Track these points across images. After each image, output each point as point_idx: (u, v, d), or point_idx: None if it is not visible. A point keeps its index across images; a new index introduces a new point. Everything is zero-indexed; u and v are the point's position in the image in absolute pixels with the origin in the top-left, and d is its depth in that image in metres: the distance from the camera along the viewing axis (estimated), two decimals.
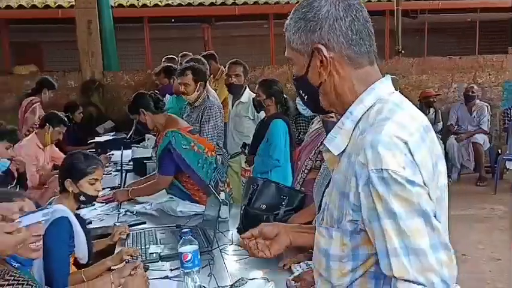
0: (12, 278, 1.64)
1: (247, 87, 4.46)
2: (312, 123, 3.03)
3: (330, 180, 2.01)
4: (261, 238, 1.63)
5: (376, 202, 1.03)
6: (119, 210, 3.26)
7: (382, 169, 1.02)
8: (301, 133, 5.09)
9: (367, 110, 1.15)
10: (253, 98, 3.76)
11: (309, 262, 2.10)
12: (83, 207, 3.14)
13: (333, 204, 1.17)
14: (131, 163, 4.69)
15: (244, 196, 2.82)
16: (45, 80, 5.77)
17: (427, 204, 1.03)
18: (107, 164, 4.80)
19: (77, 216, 2.58)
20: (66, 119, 4.70)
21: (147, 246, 2.56)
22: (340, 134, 1.17)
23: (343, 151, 1.17)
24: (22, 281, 1.67)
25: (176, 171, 3.25)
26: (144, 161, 4.42)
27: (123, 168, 4.53)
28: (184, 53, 5.41)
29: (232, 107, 4.48)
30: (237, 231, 2.76)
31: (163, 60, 5.97)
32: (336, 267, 1.15)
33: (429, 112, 7.29)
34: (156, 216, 3.16)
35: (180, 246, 1.97)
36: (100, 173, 2.58)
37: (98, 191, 2.61)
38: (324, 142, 1.21)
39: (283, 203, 2.65)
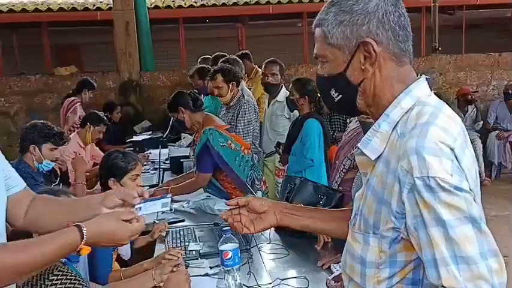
0: (61, 273, 1.70)
1: (283, 86, 4.47)
2: (350, 122, 3.02)
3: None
4: (245, 210, 1.48)
5: (423, 210, 1.00)
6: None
7: (429, 176, 0.99)
8: (336, 131, 5.06)
9: (406, 113, 1.11)
10: (286, 97, 3.78)
11: None
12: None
13: (368, 209, 1.13)
14: (168, 162, 4.77)
15: (281, 195, 2.84)
16: (85, 80, 5.93)
17: (475, 210, 1.01)
18: (145, 163, 4.90)
19: None
20: (105, 118, 4.82)
21: (187, 243, 2.61)
22: (377, 138, 1.13)
23: (379, 155, 1.13)
24: (70, 276, 1.74)
25: (214, 169, 3.29)
26: (181, 160, 4.50)
27: (161, 166, 4.64)
28: (217, 53, 5.45)
29: (269, 106, 4.49)
30: (274, 230, 2.78)
31: (198, 60, 6.04)
32: (372, 274, 1.12)
33: (467, 110, 7.13)
34: (194, 214, 3.21)
35: (220, 244, 2.00)
36: (140, 168, 2.68)
37: (139, 185, 2.69)
38: (358, 145, 1.16)
39: (321, 202, 2.65)
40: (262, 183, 3.32)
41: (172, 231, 2.84)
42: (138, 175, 2.66)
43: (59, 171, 3.86)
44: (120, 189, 1.72)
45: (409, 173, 1.01)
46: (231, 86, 3.93)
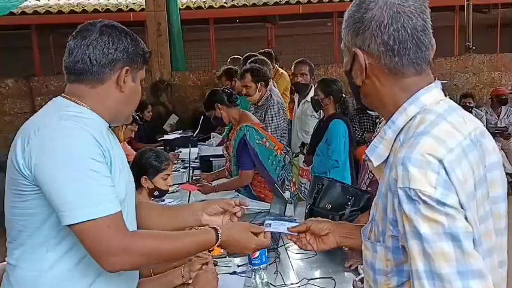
0: None
1: (313, 86, 4.47)
2: (380, 122, 3.01)
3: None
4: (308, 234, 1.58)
5: (404, 221, 0.99)
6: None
7: (410, 188, 0.97)
8: (366, 131, 5.04)
9: (410, 120, 1.08)
10: (311, 97, 3.78)
11: None
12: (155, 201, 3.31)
13: (379, 216, 1.12)
14: (197, 160, 4.84)
15: (309, 195, 2.86)
16: None
17: (459, 227, 0.96)
18: (175, 161, 4.98)
19: None
20: (137, 118, 4.92)
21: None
22: (382, 144, 1.12)
23: (385, 161, 1.12)
24: None
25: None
26: (211, 159, 4.56)
27: (190, 165, 4.71)
28: (248, 54, 5.49)
29: (298, 105, 4.51)
30: None
31: (228, 61, 6.09)
32: (383, 281, 1.12)
33: (501, 111, 6.96)
34: None
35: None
36: (171, 168, 2.79)
37: (169, 185, 2.78)
38: (366, 151, 1.16)
39: (349, 203, 2.65)
40: (291, 184, 3.34)
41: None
42: (169, 175, 2.74)
43: None
44: (219, 201, 1.96)
45: (395, 183, 1.01)
46: (259, 85, 3.97)
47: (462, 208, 0.97)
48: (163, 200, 3.46)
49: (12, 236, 1.47)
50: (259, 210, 3.15)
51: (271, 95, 4.16)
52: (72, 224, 1.32)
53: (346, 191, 2.72)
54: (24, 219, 1.42)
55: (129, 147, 5.11)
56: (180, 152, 5.31)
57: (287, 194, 2.99)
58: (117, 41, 1.46)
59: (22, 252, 1.44)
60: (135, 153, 5.11)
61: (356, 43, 1.12)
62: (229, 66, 5.37)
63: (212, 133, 5.89)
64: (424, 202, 0.95)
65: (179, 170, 4.62)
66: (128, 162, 4.63)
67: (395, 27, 1.07)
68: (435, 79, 1.14)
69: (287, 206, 2.68)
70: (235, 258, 2.44)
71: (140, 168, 2.69)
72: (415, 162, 0.98)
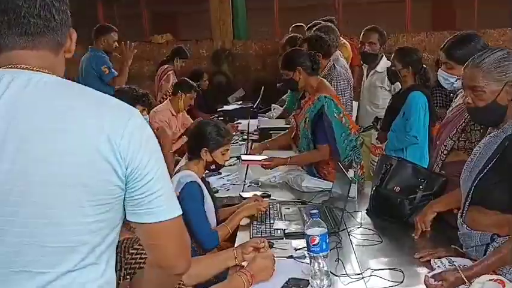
0: (141, 247, 1.64)
1: (383, 55, 4.11)
2: (456, 97, 2.68)
3: (484, 165, 1.75)
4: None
5: None
6: (244, 181, 3.24)
7: None
8: (437, 107, 4.63)
9: None
10: (387, 68, 3.42)
11: (453, 259, 1.86)
12: (210, 175, 3.18)
13: None
14: (257, 132, 4.67)
15: (376, 175, 2.61)
16: (179, 49, 5.95)
17: None
18: (234, 133, 4.85)
19: (203, 180, 2.61)
20: (195, 85, 4.80)
21: (272, 221, 2.48)
22: None
23: None
24: None
25: None
26: (270, 131, 4.38)
27: (249, 137, 4.56)
28: (312, 23, 5.19)
29: (367, 77, 4.17)
30: (366, 213, 2.58)
31: (290, 29, 5.81)
32: None
33: None
34: (280, 189, 3.08)
35: (307, 227, 1.84)
36: (230, 144, 2.65)
37: (226, 160, 2.65)
38: None
39: (421, 187, 2.39)
40: (359, 166, 3.09)
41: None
42: (228, 150, 2.62)
43: None
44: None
45: None
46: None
47: None
48: (220, 173, 3.33)
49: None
50: (321, 189, 2.94)
51: (334, 66, 3.87)
52: (165, 220, 1.13)
53: (418, 173, 2.46)
54: (94, 234, 1.10)
55: (188, 117, 5.02)
56: (239, 123, 5.16)
57: (351, 173, 2.75)
58: None
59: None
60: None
61: None
62: (293, 34, 5.09)
63: (273, 105, 5.69)
64: None
65: (237, 142, 4.47)
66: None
67: None
68: None
69: (351, 186, 2.45)
70: (292, 240, 2.27)
71: (201, 139, 2.55)
72: None
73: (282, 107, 5.54)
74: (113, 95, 1.18)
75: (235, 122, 5.17)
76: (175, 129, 4.73)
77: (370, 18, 8.12)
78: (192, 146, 2.59)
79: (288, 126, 4.56)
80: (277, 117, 5.13)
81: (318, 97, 3.04)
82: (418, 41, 6.75)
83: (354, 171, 2.82)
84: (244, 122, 5.25)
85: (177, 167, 2.98)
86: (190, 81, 4.77)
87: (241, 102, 6.26)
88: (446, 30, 7.29)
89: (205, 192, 2.50)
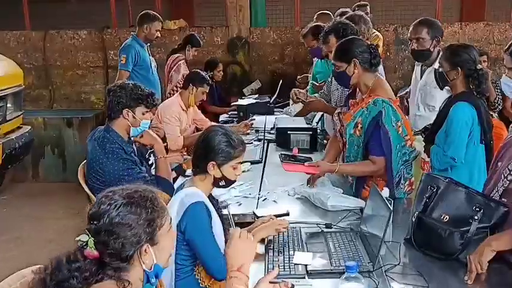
0: None
1: (440, 50, 3.52)
2: (499, 105, 2.21)
3: None
4: None
5: None
6: (259, 194, 2.82)
7: None
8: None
9: None
10: (434, 69, 2.88)
11: None
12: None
13: None
14: (273, 131, 4.24)
15: (419, 199, 2.17)
16: (191, 36, 5.54)
17: None
18: (248, 131, 4.43)
19: (211, 198, 2.19)
20: (209, 79, 4.38)
21: (291, 252, 2.06)
22: None
23: None
24: None
25: None
26: (288, 132, 3.93)
27: (265, 137, 4.13)
28: (342, 10, 4.70)
29: (421, 75, 3.60)
30: (405, 243, 2.14)
31: (315, 17, 5.33)
32: None
33: None
34: (299, 205, 2.66)
35: (341, 282, 1.42)
36: (243, 156, 2.19)
37: (238, 175, 2.21)
38: None
39: (476, 217, 1.95)
40: (408, 182, 2.65)
41: None
42: (239, 163, 2.18)
43: None
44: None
45: None
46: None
47: None
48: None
49: None
50: (349, 210, 2.51)
51: None
52: None
53: (472, 199, 2.01)
54: None
55: (199, 112, 4.61)
56: (254, 119, 4.72)
57: (385, 192, 2.30)
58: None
59: None
60: (206, 119, 4.67)
61: None
62: (317, 23, 4.61)
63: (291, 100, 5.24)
64: None
65: (252, 143, 4.03)
66: (198, 129, 4.15)
67: None
68: None
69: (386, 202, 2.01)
70: (316, 281, 1.85)
71: (208, 152, 2.12)
72: None
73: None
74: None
75: (250, 119, 4.73)
76: (186, 125, 4.32)
77: (399, 5, 7.61)
78: (198, 159, 2.16)
79: (309, 126, 4.13)
80: (296, 115, 4.66)
81: (374, 100, 2.58)
82: (451, 32, 6.21)
83: (403, 192, 2.37)
84: (259, 118, 4.83)
85: (180, 180, 2.58)
86: (203, 74, 4.34)
87: (257, 95, 5.81)
88: (478, 21, 6.76)
89: (214, 214, 2.10)
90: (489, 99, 3.44)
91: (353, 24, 3.43)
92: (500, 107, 4.24)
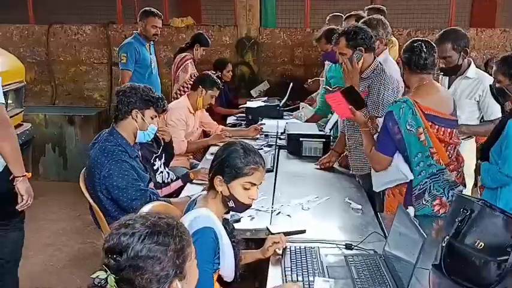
0: None
1: (472, 62, 3.33)
2: None
3: None
4: None
5: None
6: (272, 207, 2.66)
7: None
8: None
9: None
10: (490, 85, 2.65)
11: None
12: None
13: None
14: (283, 136, 4.08)
15: (450, 222, 2.00)
16: (200, 35, 5.36)
17: None
18: (257, 136, 4.27)
19: (225, 223, 2.01)
20: (219, 81, 4.21)
21: (310, 277, 1.89)
22: None
23: None
24: None
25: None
26: (301, 139, 3.76)
27: (277, 143, 3.97)
28: (351, 13, 4.51)
29: (449, 85, 3.41)
30: (433, 270, 1.97)
31: (327, 18, 5.15)
32: None
33: None
34: (314, 219, 2.50)
35: None
36: (260, 177, 1.93)
37: (252, 199, 1.97)
38: None
39: None
40: (437, 201, 2.47)
41: (290, 247, 2.14)
42: (254, 185, 1.92)
43: (162, 142, 3.33)
44: None
45: None
46: (357, 52, 3.02)
47: None
48: None
49: None
50: (372, 231, 2.34)
51: (382, 68, 3.19)
52: None
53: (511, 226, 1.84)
54: None
55: (207, 114, 4.43)
56: (264, 124, 4.55)
57: (411, 210, 2.14)
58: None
59: None
60: (214, 122, 4.49)
61: None
62: (331, 27, 4.43)
63: (301, 103, 5.07)
64: None
65: (262, 148, 3.87)
66: (205, 132, 3.99)
67: None
68: None
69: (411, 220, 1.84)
70: None
71: (217, 164, 1.95)
72: None
73: (311, 105, 4.92)
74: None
75: (259, 123, 4.56)
76: (193, 128, 4.16)
77: (412, 9, 7.41)
78: (209, 172, 1.98)
79: (322, 133, 3.95)
80: (307, 121, 4.49)
81: (398, 99, 2.56)
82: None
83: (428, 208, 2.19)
84: (268, 122, 4.66)
85: (187, 191, 2.40)
86: (214, 77, 4.17)
87: (266, 98, 5.63)
88: (487, 27, 6.58)
89: (224, 240, 1.90)
90: None
91: (368, 29, 3.25)
92: None
